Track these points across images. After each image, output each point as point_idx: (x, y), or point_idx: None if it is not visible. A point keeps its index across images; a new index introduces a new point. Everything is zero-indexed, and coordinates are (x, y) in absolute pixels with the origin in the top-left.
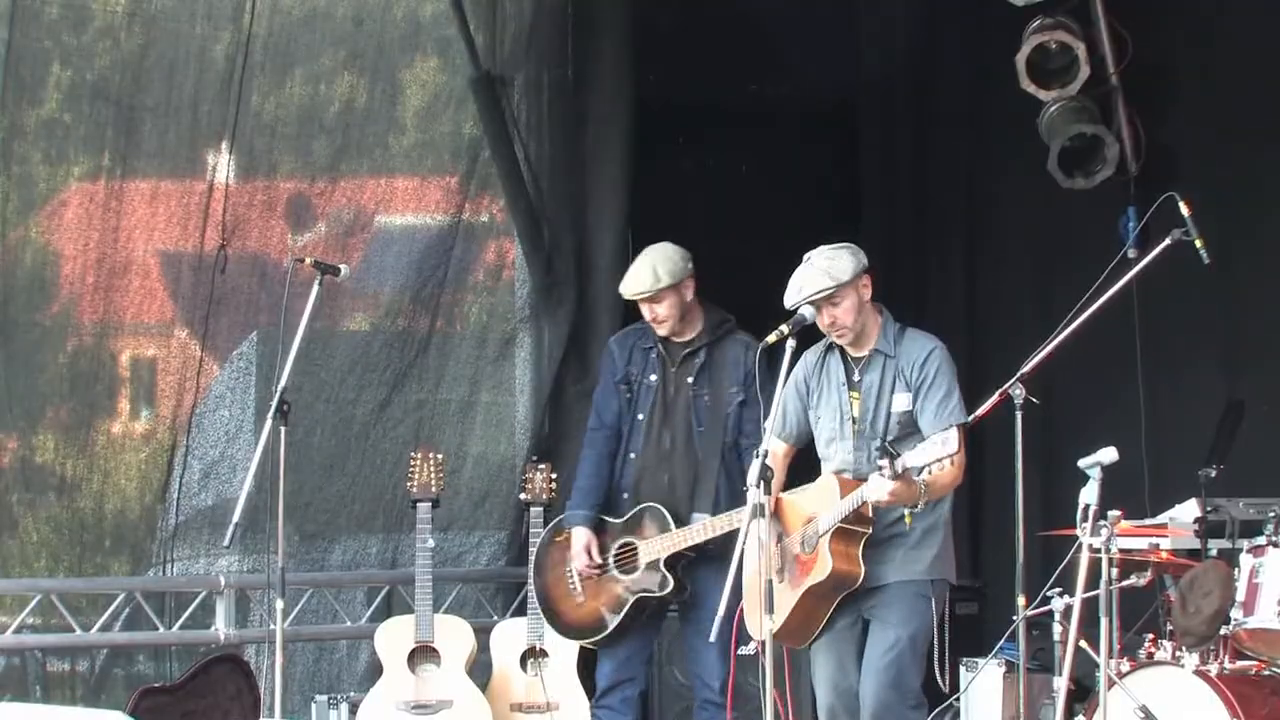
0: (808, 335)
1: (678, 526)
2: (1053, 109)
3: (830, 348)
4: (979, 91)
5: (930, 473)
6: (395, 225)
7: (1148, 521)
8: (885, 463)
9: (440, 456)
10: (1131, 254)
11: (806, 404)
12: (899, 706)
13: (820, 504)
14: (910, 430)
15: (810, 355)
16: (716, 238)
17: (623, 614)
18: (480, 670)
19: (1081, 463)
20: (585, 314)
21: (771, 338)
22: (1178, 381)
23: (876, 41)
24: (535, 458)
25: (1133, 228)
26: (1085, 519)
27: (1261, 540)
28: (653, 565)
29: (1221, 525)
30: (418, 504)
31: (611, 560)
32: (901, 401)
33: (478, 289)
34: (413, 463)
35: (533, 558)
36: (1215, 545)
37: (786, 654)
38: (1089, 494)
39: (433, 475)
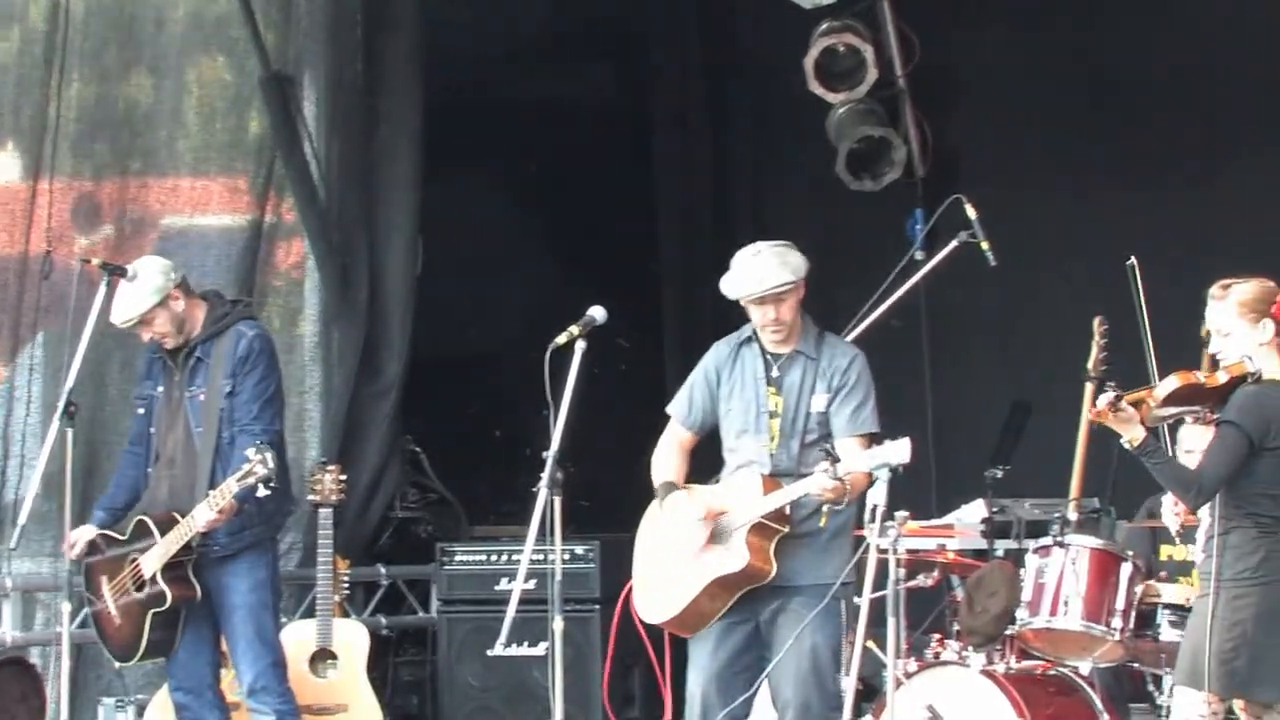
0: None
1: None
2: (840, 111)
3: (746, 341)
4: (768, 93)
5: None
6: (190, 226)
7: (934, 522)
8: (829, 465)
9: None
10: (919, 255)
11: (716, 395)
12: (822, 709)
13: (737, 498)
14: (826, 431)
15: (723, 347)
16: (505, 238)
17: (146, 630)
18: None
19: (868, 458)
20: (377, 316)
21: (561, 339)
22: (964, 382)
23: (666, 42)
24: (324, 459)
25: (920, 229)
26: (873, 519)
27: (1047, 541)
28: (165, 578)
29: (1007, 526)
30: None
31: (129, 580)
32: (819, 402)
33: (272, 291)
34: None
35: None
36: (1001, 545)
37: (670, 644)
38: (877, 494)
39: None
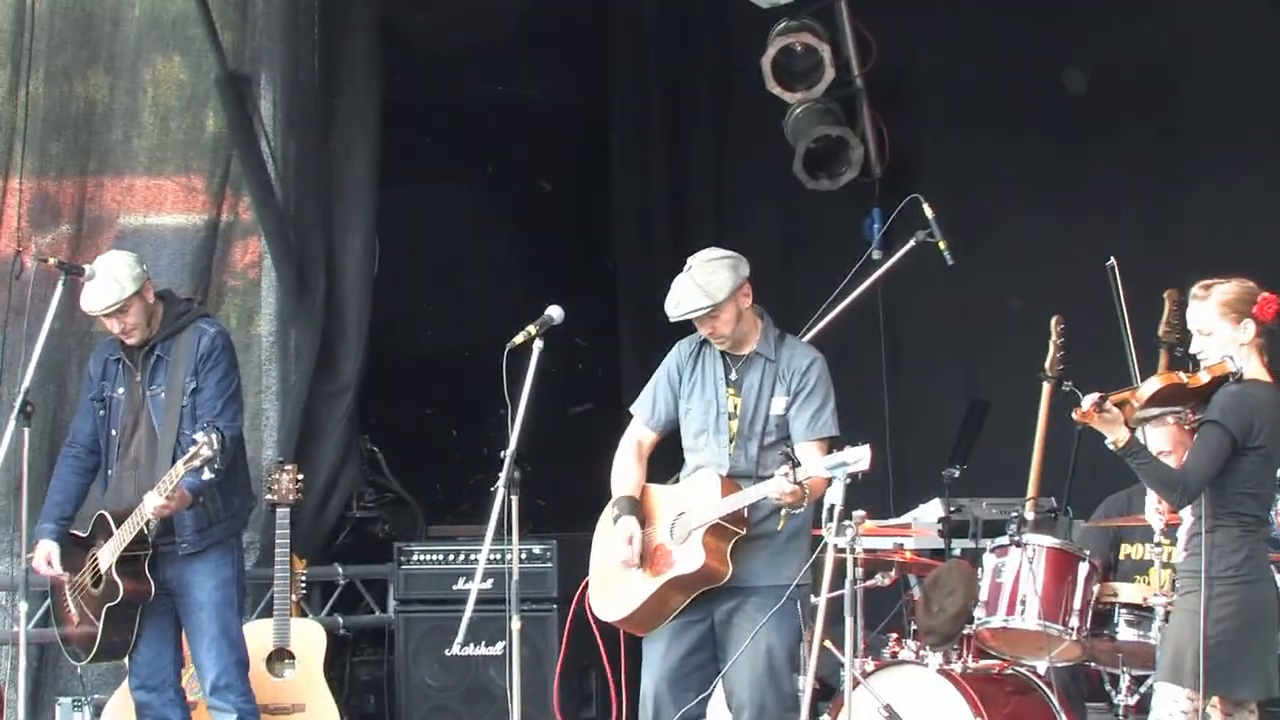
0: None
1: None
2: (797, 111)
3: (707, 341)
4: (726, 93)
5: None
6: (145, 226)
7: (892, 521)
8: (788, 469)
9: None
10: (876, 255)
11: (678, 394)
12: (777, 710)
13: (695, 499)
14: (785, 434)
15: (685, 346)
16: (462, 238)
17: (100, 628)
18: None
19: (827, 464)
20: (334, 316)
21: (519, 339)
22: (921, 381)
23: (626, 42)
24: (281, 459)
25: (878, 229)
26: (830, 519)
27: (1004, 540)
28: (119, 572)
29: (965, 525)
30: None
31: (88, 577)
32: (779, 405)
33: (229, 291)
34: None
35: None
36: (959, 545)
37: (625, 644)
38: (834, 494)
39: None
